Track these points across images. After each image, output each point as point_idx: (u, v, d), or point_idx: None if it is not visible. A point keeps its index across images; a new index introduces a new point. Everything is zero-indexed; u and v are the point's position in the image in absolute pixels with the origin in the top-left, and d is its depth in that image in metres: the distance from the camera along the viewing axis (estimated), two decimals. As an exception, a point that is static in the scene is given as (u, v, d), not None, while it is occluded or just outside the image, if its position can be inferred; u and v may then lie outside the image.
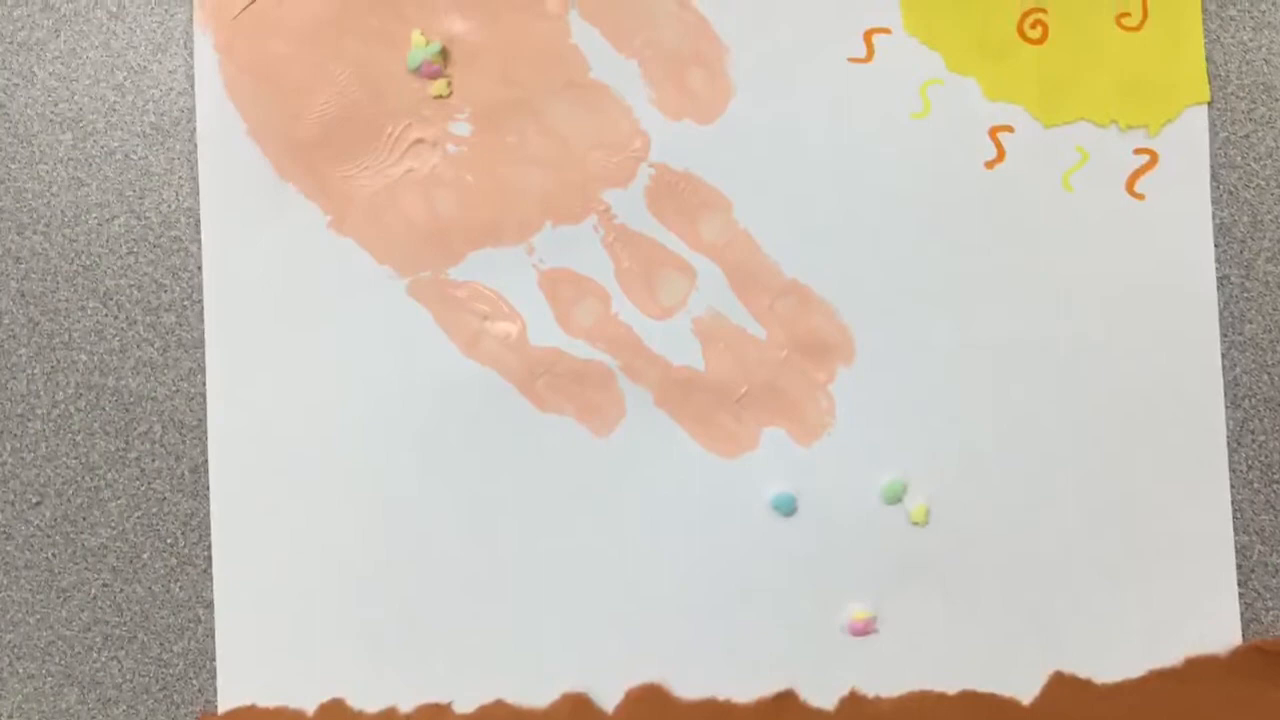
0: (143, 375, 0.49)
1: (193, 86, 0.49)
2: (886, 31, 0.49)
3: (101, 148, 0.49)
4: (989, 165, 0.48)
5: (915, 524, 0.48)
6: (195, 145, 0.49)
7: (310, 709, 0.48)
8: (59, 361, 0.49)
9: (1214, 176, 0.48)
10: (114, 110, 0.49)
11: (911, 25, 0.48)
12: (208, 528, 0.48)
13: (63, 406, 0.49)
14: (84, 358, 0.49)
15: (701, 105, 0.49)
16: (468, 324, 0.49)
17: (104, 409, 0.49)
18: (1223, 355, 0.48)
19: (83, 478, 0.49)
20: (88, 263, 0.49)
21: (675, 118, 0.49)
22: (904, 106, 0.49)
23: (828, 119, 0.49)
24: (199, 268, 0.49)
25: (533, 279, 0.49)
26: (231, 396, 0.49)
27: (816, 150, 0.48)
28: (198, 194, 0.49)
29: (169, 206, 0.49)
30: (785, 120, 0.49)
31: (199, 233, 0.49)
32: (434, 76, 0.49)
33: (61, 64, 0.49)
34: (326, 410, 0.49)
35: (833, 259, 0.48)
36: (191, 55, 0.49)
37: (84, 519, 0.49)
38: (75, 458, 0.49)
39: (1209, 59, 0.49)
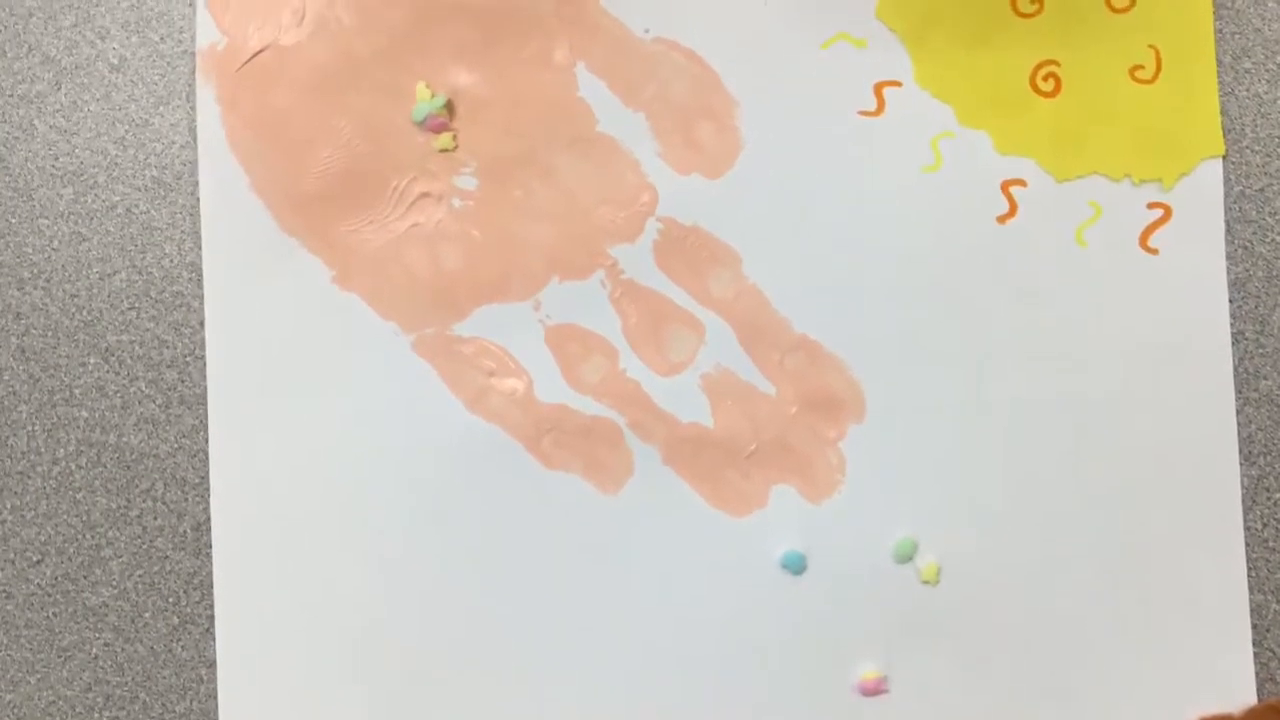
0: (144, 432, 0.48)
1: (195, 140, 0.49)
2: (897, 84, 0.48)
3: (103, 202, 0.49)
4: (1001, 220, 0.48)
5: (926, 583, 0.47)
6: (197, 199, 0.48)
7: (314, 770, 0.48)
8: (60, 418, 0.48)
9: (1229, 231, 0.48)
10: (115, 164, 0.49)
11: (923, 78, 0.48)
12: (210, 587, 0.48)
13: (63, 464, 0.48)
14: (85, 414, 0.48)
15: (710, 159, 0.48)
16: (473, 380, 0.48)
17: (105, 466, 0.48)
18: (1237, 412, 0.48)
19: (83, 536, 0.48)
20: (89, 318, 0.48)
21: (684, 172, 0.48)
22: (915, 160, 0.48)
23: (838, 172, 0.48)
24: (201, 323, 0.48)
25: (539, 335, 0.48)
26: (234, 454, 0.48)
27: (826, 204, 0.48)
28: (200, 249, 0.48)
29: (171, 261, 0.48)
30: (795, 173, 0.48)
31: (201, 288, 0.48)
32: (439, 130, 0.48)
33: (62, 117, 0.49)
34: (330, 468, 0.48)
35: (843, 314, 0.48)
36: (194, 109, 0.49)
37: (85, 577, 0.48)
38: (76, 515, 0.48)
39: (1223, 112, 0.48)
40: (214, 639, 0.48)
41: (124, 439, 0.48)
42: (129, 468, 0.48)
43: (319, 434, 0.48)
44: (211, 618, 0.48)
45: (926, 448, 0.48)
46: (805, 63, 0.48)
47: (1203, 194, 0.48)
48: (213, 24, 0.49)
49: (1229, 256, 0.48)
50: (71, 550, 0.48)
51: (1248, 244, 0.48)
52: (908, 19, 0.48)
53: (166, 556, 0.48)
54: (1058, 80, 0.48)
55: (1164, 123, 0.48)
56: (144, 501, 0.48)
